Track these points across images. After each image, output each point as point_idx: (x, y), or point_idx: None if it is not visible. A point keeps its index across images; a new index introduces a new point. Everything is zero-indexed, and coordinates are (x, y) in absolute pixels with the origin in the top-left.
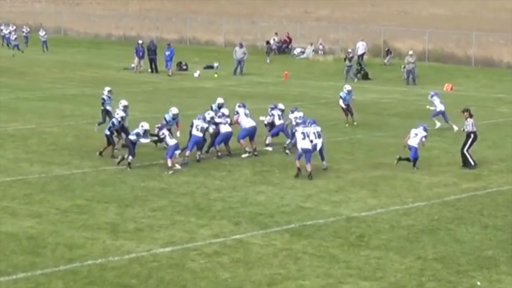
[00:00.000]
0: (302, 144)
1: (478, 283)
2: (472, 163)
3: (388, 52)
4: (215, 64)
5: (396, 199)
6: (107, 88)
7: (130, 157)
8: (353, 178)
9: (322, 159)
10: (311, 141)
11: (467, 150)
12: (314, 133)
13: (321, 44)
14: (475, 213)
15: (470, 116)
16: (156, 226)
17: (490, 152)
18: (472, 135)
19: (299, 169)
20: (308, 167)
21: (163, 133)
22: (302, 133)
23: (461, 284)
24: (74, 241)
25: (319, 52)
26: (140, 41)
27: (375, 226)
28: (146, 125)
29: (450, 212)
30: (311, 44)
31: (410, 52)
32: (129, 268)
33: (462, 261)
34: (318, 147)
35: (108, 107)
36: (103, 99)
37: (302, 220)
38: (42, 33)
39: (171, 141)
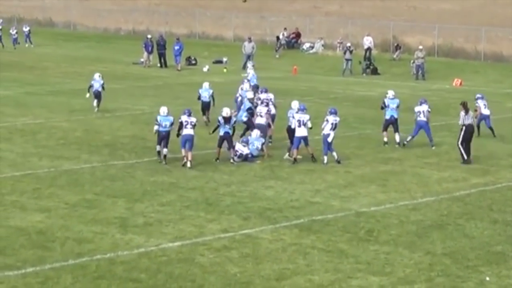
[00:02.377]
0: (298, 132)
1: (487, 278)
2: (465, 157)
3: (397, 47)
4: (224, 59)
5: (405, 194)
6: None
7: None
8: (362, 173)
9: (331, 150)
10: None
11: (459, 143)
12: (332, 123)
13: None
14: (484, 208)
15: (465, 110)
16: (165, 220)
17: (499, 147)
18: (464, 128)
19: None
20: (310, 150)
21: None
22: (298, 120)
23: (470, 279)
24: (83, 236)
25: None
26: (149, 36)
27: (384, 221)
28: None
29: (459, 207)
30: (320, 39)
31: (420, 47)
32: (138, 262)
33: (471, 256)
34: (330, 139)
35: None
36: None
37: (311, 215)
38: (25, 28)
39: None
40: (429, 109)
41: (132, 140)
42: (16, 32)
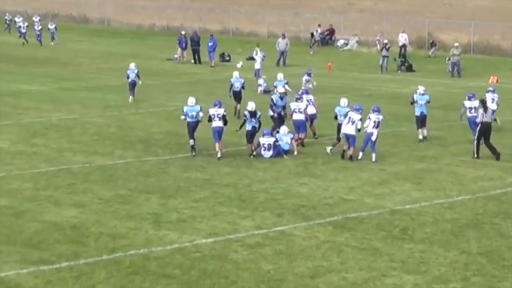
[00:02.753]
0: (345, 129)
1: None
2: (475, 154)
3: (432, 44)
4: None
5: (440, 192)
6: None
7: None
8: (397, 171)
9: (373, 150)
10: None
11: (475, 139)
12: (374, 121)
13: (384, 42)
14: None
15: (484, 107)
16: (199, 217)
17: None
18: (480, 125)
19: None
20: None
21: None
22: (349, 117)
23: (506, 279)
24: (117, 231)
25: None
26: (183, 32)
27: (419, 219)
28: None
29: (495, 206)
30: (355, 36)
31: (456, 44)
32: (171, 258)
33: (507, 256)
34: (374, 137)
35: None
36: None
37: (345, 212)
38: (51, 26)
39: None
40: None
41: (166, 136)
42: (41, 29)
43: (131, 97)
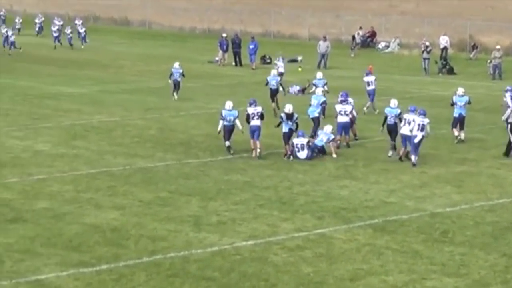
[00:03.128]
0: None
1: None
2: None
3: (474, 46)
4: (299, 58)
5: (481, 195)
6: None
7: None
8: (437, 174)
9: (416, 153)
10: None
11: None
12: (419, 124)
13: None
14: None
15: None
16: (239, 219)
17: None
18: (508, 125)
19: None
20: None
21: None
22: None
23: None
24: (157, 233)
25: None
26: (224, 34)
27: (460, 222)
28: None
29: None
30: (396, 38)
31: (497, 47)
32: (211, 261)
33: None
34: (417, 140)
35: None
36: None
37: (385, 215)
38: (79, 23)
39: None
40: None
41: (207, 139)
42: (71, 32)
43: (175, 94)
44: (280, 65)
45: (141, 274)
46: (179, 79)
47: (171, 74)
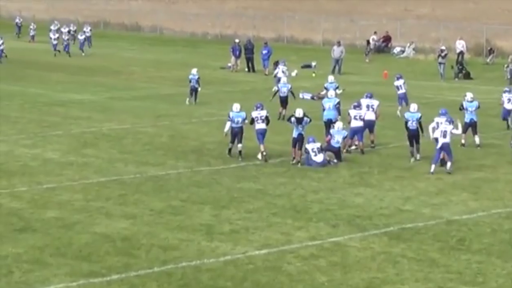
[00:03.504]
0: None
1: None
2: None
3: (490, 51)
4: (313, 63)
5: (498, 202)
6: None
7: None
8: (454, 180)
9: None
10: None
11: None
12: (442, 130)
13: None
14: None
15: None
16: (252, 228)
17: None
18: None
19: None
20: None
21: None
22: (437, 122)
23: None
24: (169, 243)
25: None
26: (237, 40)
27: (476, 230)
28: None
29: None
30: (411, 43)
31: None
32: (224, 270)
33: None
34: (438, 146)
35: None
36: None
37: (401, 223)
38: (81, 36)
39: None
40: None
41: (219, 146)
42: (68, 39)
43: (188, 99)
44: (284, 68)
45: (153, 284)
46: (196, 85)
47: (190, 81)
